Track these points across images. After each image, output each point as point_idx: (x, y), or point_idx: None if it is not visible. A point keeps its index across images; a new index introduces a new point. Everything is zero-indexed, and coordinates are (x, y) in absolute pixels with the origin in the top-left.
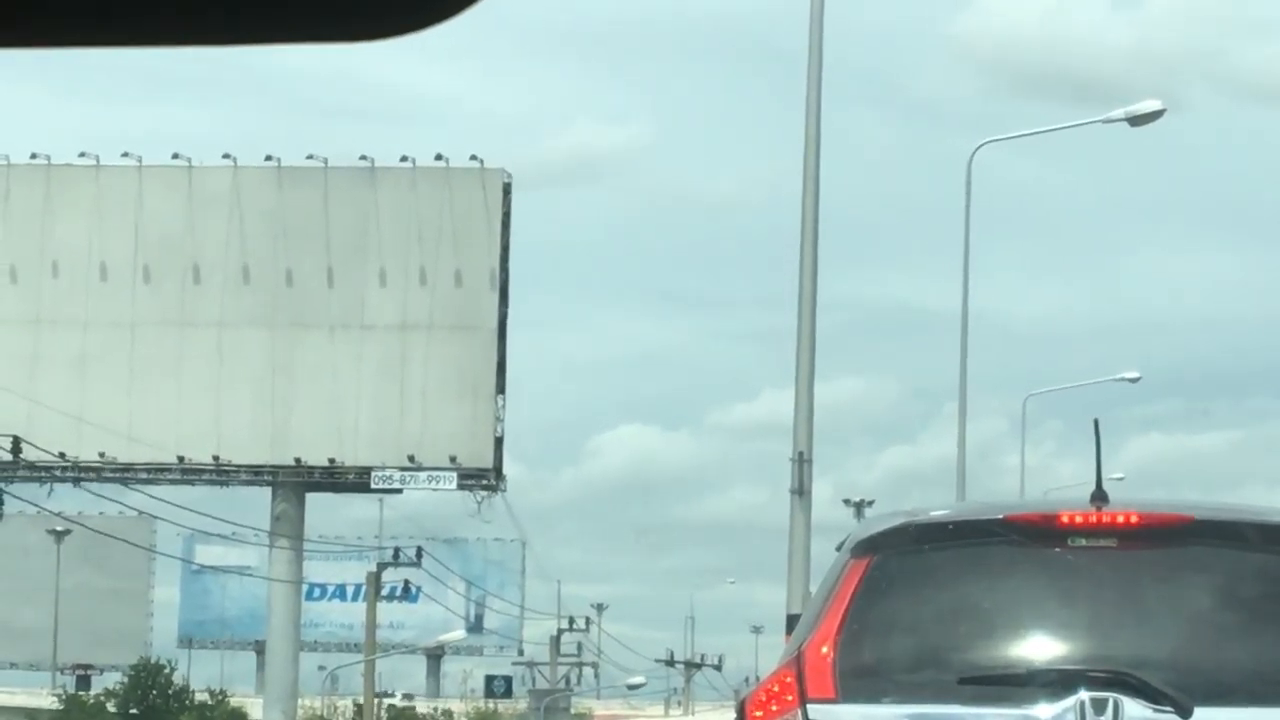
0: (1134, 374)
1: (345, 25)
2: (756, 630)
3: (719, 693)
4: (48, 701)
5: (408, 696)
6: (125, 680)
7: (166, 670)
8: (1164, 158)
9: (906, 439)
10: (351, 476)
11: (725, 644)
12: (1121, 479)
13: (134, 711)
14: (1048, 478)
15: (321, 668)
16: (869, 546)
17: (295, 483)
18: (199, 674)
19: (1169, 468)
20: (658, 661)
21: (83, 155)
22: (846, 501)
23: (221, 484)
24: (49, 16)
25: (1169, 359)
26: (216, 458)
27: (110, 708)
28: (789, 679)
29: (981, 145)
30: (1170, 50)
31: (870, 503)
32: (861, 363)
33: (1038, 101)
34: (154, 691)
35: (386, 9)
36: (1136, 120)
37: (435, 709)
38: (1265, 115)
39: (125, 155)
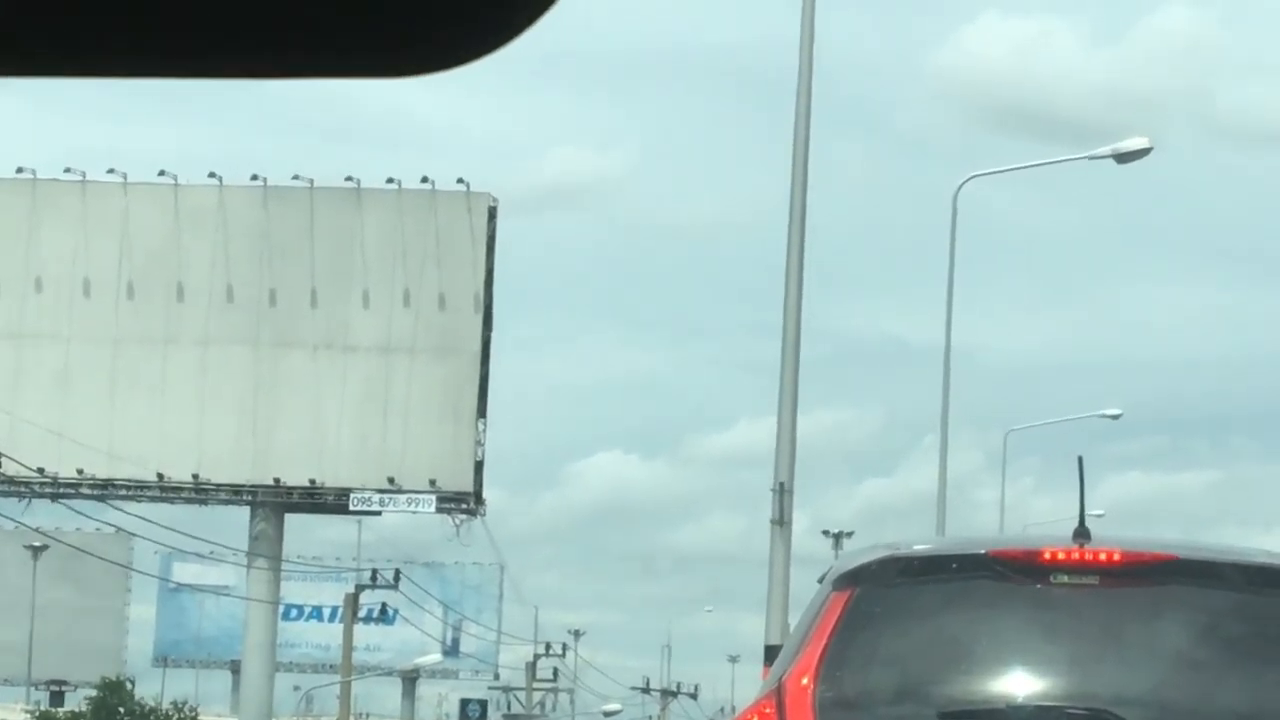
0: (1115, 410)
1: (377, 60)
2: (733, 660)
3: None
4: (20, 718)
5: None
6: (91, 699)
7: (129, 688)
8: (1146, 196)
9: (884, 472)
10: (331, 498)
11: (702, 673)
12: (1101, 515)
13: None
14: (1025, 513)
15: (296, 688)
16: (851, 579)
17: (274, 503)
18: (174, 692)
19: (1147, 506)
20: (634, 689)
21: (68, 171)
22: (825, 533)
23: (201, 502)
24: (59, 46)
25: (1150, 396)
26: (196, 476)
27: None
28: (769, 710)
29: (968, 179)
30: (1148, 89)
31: (850, 534)
32: (840, 395)
33: (1018, 138)
34: (120, 709)
35: (420, 45)
36: (1123, 158)
37: None
38: (1242, 157)
39: (111, 172)
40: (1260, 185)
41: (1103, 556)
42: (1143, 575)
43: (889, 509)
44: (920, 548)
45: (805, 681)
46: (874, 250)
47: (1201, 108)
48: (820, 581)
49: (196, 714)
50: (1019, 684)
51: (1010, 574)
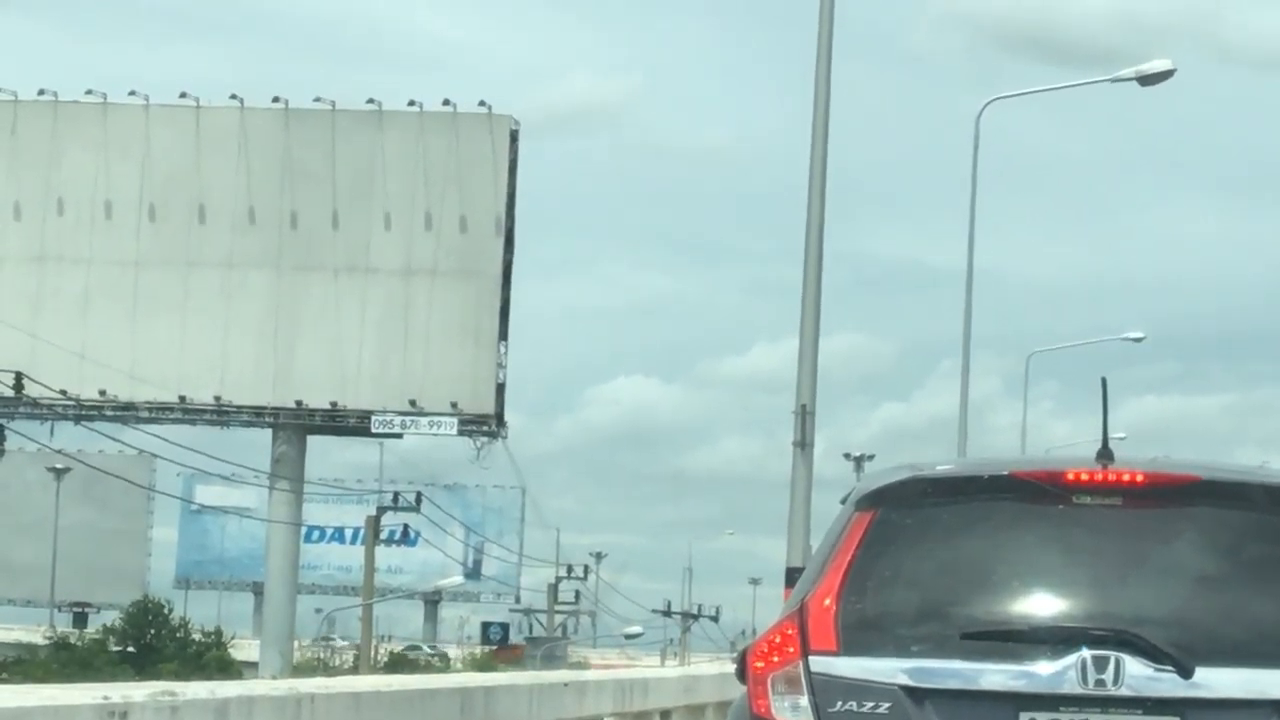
0: (1138, 334)
1: None
2: (754, 582)
3: (715, 644)
4: (43, 643)
5: (417, 647)
6: (123, 617)
7: (165, 610)
8: (1163, 120)
9: (903, 396)
10: (352, 420)
11: (723, 595)
12: (1123, 438)
13: (131, 649)
14: (1045, 436)
15: (318, 610)
16: (873, 500)
17: (296, 425)
18: (195, 614)
19: (1167, 428)
20: (655, 612)
21: (90, 93)
22: (846, 456)
23: (223, 425)
24: None
25: (1171, 320)
26: (218, 398)
27: (111, 645)
28: (791, 631)
29: (990, 102)
30: (1159, 15)
31: (871, 457)
32: (859, 319)
33: (1030, 62)
34: (152, 631)
35: None
36: (1146, 80)
37: (433, 652)
38: (1255, 81)
39: (132, 94)
40: (1274, 109)
41: (1126, 477)
42: (1166, 496)
43: (908, 433)
44: (943, 468)
45: (828, 603)
46: (893, 174)
47: (1213, 32)
48: (843, 503)
49: (226, 639)
50: (1041, 605)
51: (1033, 495)
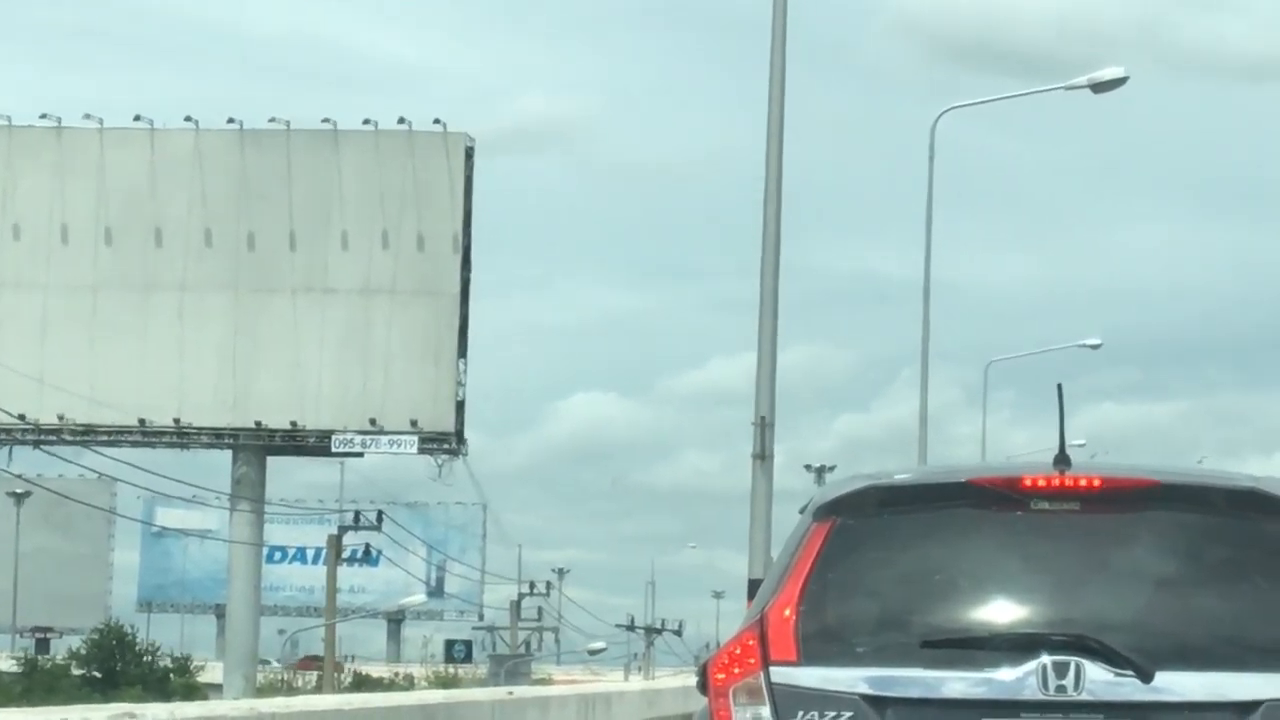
0: (1095, 340)
1: None
2: (718, 596)
3: (679, 658)
4: (6, 664)
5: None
6: (87, 642)
7: (128, 636)
8: (1119, 129)
9: (860, 407)
10: (312, 440)
11: (686, 609)
12: (1082, 445)
13: (96, 674)
14: (1004, 446)
15: (281, 631)
16: (832, 509)
17: (256, 446)
18: (158, 638)
19: (1125, 435)
20: (618, 627)
21: (44, 117)
22: (808, 467)
23: (182, 447)
24: None
25: (1128, 328)
26: (178, 420)
27: (74, 670)
28: (751, 642)
29: (944, 112)
30: (1109, 23)
31: (832, 468)
32: (817, 332)
33: (981, 73)
34: (117, 657)
35: None
36: (1099, 87)
37: (396, 674)
38: (1208, 87)
39: (87, 117)
40: (1228, 117)
41: (1083, 482)
42: (1124, 501)
43: (868, 444)
44: (901, 477)
45: (787, 613)
46: (850, 187)
47: (1167, 41)
48: (801, 512)
49: (190, 663)
50: (1001, 612)
51: (991, 502)
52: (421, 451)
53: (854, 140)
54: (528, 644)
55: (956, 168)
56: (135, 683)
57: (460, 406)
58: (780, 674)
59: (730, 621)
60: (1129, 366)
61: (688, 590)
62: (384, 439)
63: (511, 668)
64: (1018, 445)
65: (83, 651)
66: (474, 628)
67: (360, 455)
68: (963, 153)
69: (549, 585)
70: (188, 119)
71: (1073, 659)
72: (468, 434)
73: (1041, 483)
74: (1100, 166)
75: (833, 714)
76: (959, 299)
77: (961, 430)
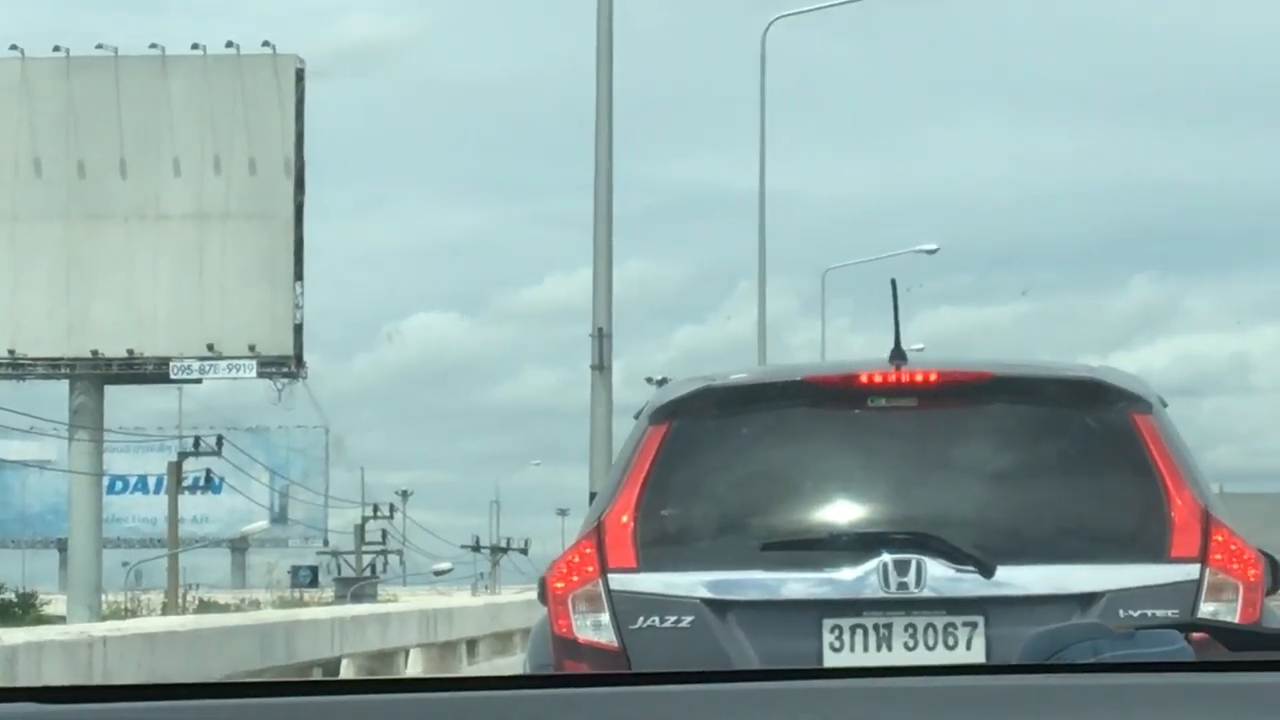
0: (932, 245)
1: None
2: (562, 513)
3: (526, 576)
4: None
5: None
6: None
7: None
8: (950, 36)
9: (699, 319)
10: (150, 367)
11: (532, 528)
12: (921, 349)
13: None
14: (843, 351)
15: (125, 563)
16: (668, 412)
17: (93, 375)
18: (0, 573)
19: (963, 338)
20: (464, 548)
21: None
22: (649, 380)
23: (18, 378)
24: None
25: (961, 234)
26: (12, 351)
27: None
28: (589, 550)
29: (774, 21)
30: None
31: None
32: (653, 245)
33: None
34: None
35: None
36: None
37: (242, 600)
38: None
39: None
40: (1054, 19)
41: (919, 378)
42: (960, 394)
43: (708, 355)
44: (737, 377)
45: (625, 519)
46: (682, 99)
47: None
48: (636, 417)
49: (35, 599)
50: (840, 512)
51: (827, 400)
52: (260, 376)
53: (686, 51)
54: (373, 567)
55: (790, 76)
56: None
57: (298, 329)
58: (619, 580)
59: (575, 538)
60: (965, 271)
61: (533, 508)
62: (222, 364)
63: (357, 591)
64: (857, 350)
65: None
66: (318, 553)
67: (199, 381)
68: (795, 61)
69: (392, 508)
70: (13, 48)
71: (913, 556)
72: (307, 357)
73: (878, 379)
74: (933, 73)
75: (673, 619)
76: (797, 208)
77: (801, 338)
